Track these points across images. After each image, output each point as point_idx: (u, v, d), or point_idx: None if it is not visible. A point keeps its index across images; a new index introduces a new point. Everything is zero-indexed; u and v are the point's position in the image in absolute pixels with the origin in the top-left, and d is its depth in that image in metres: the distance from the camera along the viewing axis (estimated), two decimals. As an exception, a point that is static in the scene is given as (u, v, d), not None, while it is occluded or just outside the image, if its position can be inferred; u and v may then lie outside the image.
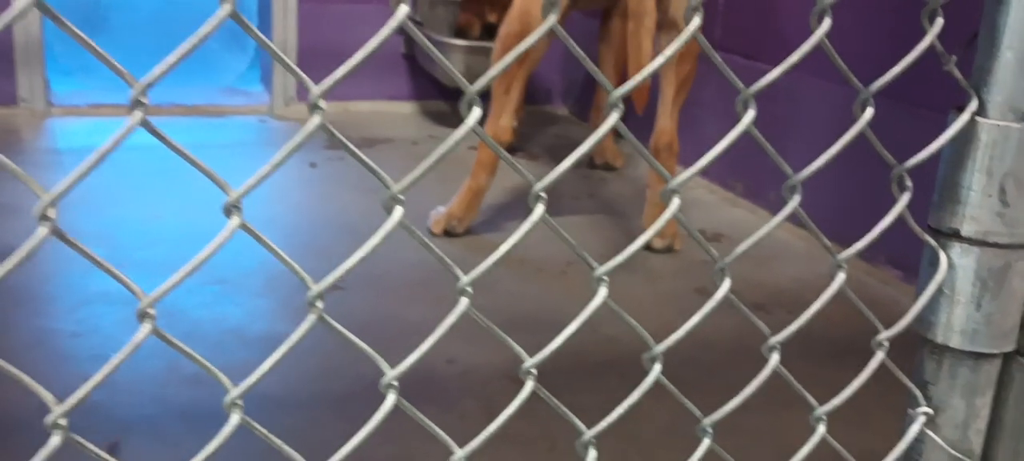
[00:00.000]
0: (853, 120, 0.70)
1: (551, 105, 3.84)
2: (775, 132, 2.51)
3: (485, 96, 2.58)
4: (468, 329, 1.47)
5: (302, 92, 3.44)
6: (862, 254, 2.44)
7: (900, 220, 0.74)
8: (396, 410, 0.61)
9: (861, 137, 0.71)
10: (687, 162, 2.49)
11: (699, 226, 2.51)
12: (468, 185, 2.31)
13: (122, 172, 2.59)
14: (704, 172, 2.87)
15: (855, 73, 0.68)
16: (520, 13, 2.16)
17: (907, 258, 2.14)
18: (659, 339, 0.70)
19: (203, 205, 2.33)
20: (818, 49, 0.65)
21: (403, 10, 0.54)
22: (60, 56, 3.78)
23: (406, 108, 3.67)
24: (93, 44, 0.47)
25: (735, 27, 2.75)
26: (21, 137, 2.99)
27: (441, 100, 3.67)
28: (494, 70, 0.56)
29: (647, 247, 2.29)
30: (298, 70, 0.52)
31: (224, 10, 0.49)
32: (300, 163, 2.71)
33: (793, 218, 0.70)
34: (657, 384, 0.71)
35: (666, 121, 2.29)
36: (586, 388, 1.58)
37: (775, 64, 0.63)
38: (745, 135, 0.67)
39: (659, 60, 0.60)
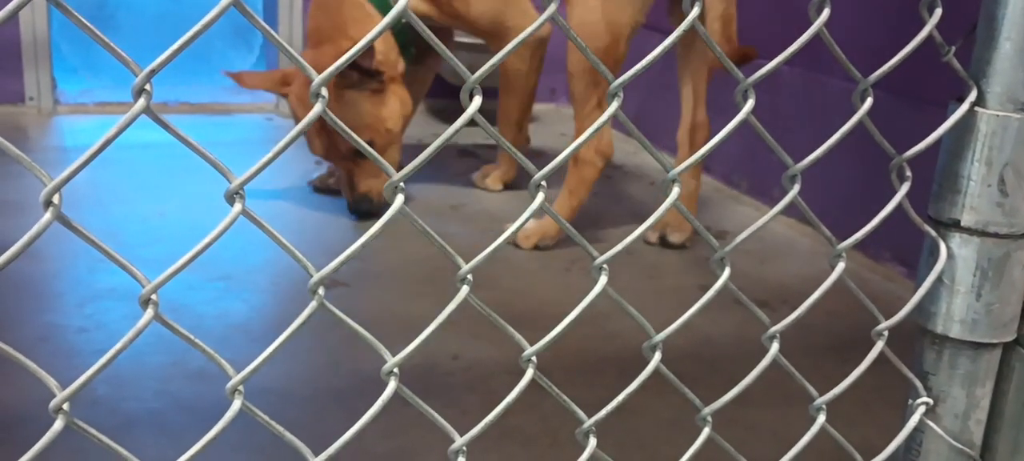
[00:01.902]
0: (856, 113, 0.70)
1: (556, 102, 3.84)
2: (782, 129, 2.51)
3: (487, 92, 2.55)
4: (472, 325, 1.48)
5: (307, 90, 3.44)
6: (866, 250, 2.41)
7: (900, 213, 0.74)
8: (397, 405, 0.62)
9: (865, 134, 0.71)
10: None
11: (703, 224, 2.51)
12: (569, 204, 2.22)
13: (127, 170, 2.60)
14: (709, 169, 2.87)
15: (855, 65, 0.68)
16: (608, 24, 2.09)
17: (911, 254, 2.14)
18: (661, 332, 0.70)
19: (208, 203, 2.34)
20: (826, 47, 0.65)
21: (402, 1, 0.54)
22: (67, 55, 3.79)
23: (411, 106, 3.67)
24: (97, 31, 0.47)
25: (741, 24, 2.75)
26: (28, 135, 3.00)
27: (447, 98, 3.68)
28: (485, 68, 0.57)
29: (665, 243, 2.28)
30: (301, 58, 0.53)
31: (226, -2, 0.49)
32: (305, 160, 2.72)
33: (796, 212, 0.71)
34: (658, 379, 0.71)
35: (702, 113, 2.30)
36: (587, 383, 1.58)
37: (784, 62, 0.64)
38: (751, 133, 0.67)
39: (660, 48, 0.61)
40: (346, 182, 2.37)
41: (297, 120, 2.48)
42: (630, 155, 3.07)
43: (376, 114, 2.32)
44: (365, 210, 2.35)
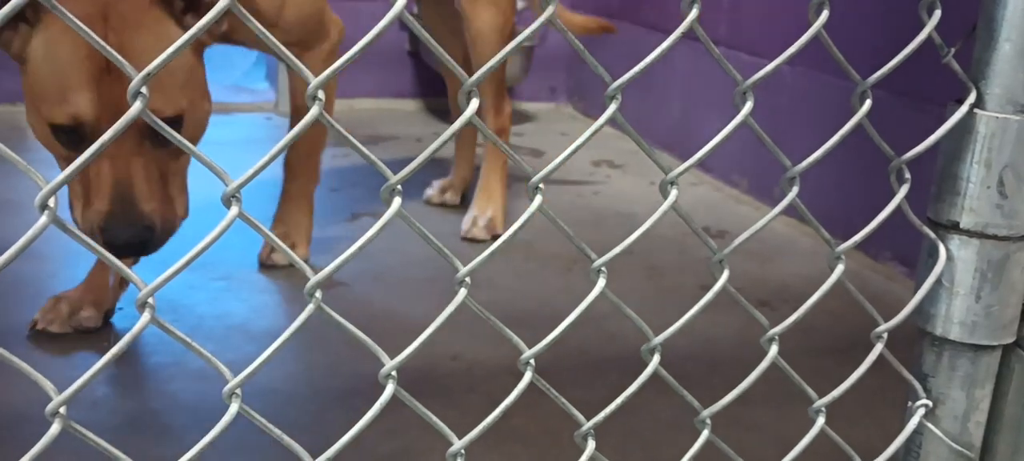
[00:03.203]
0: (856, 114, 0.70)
1: (556, 102, 3.84)
2: (782, 129, 2.51)
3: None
4: (473, 325, 1.49)
5: (307, 90, 3.42)
6: (867, 250, 2.41)
7: (901, 213, 0.74)
8: (398, 405, 0.62)
9: (864, 135, 0.71)
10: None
11: (703, 223, 2.50)
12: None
13: (128, 169, 2.59)
14: (708, 169, 2.87)
15: (855, 67, 0.68)
16: None
17: (912, 254, 2.14)
18: (660, 334, 0.70)
19: (209, 203, 2.34)
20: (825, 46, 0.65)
21: (401, 2, 0.54)
22: (67, 54, 3.78)
23: (411, 106, 3.67)
24: (92, 33, 0.47)
25: (740, 24, 2.75)
26: (28, 134, 3.00)
27: (446, 97, 3.68)
28: (484, 63, 0.56)
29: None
30: (297, 61, 0.53)
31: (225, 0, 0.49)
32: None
33: (796, 213, 0.71)
34: (659, 380, 0.71)
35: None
36: (588, 384, 1.58)
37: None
38: (750, 133, 0.67)
39: (658, 50, 0.61)
40: (107, 186, 1.32)
41: None
42: (629, 155, 3.07)
43: (199, 77, 1.46)
44: (139, 242, 1.39)
